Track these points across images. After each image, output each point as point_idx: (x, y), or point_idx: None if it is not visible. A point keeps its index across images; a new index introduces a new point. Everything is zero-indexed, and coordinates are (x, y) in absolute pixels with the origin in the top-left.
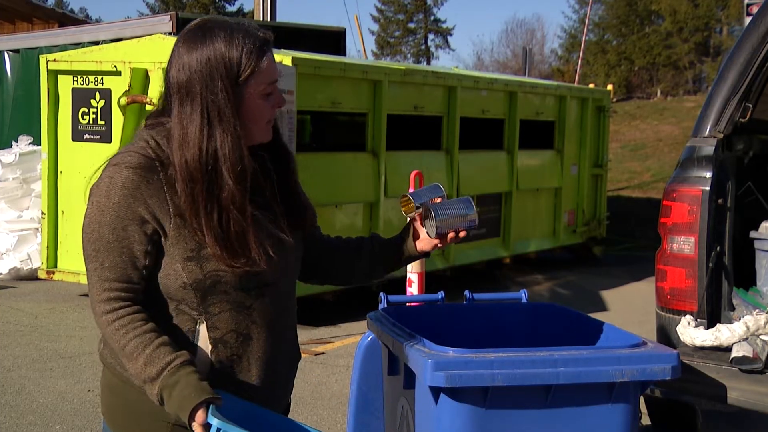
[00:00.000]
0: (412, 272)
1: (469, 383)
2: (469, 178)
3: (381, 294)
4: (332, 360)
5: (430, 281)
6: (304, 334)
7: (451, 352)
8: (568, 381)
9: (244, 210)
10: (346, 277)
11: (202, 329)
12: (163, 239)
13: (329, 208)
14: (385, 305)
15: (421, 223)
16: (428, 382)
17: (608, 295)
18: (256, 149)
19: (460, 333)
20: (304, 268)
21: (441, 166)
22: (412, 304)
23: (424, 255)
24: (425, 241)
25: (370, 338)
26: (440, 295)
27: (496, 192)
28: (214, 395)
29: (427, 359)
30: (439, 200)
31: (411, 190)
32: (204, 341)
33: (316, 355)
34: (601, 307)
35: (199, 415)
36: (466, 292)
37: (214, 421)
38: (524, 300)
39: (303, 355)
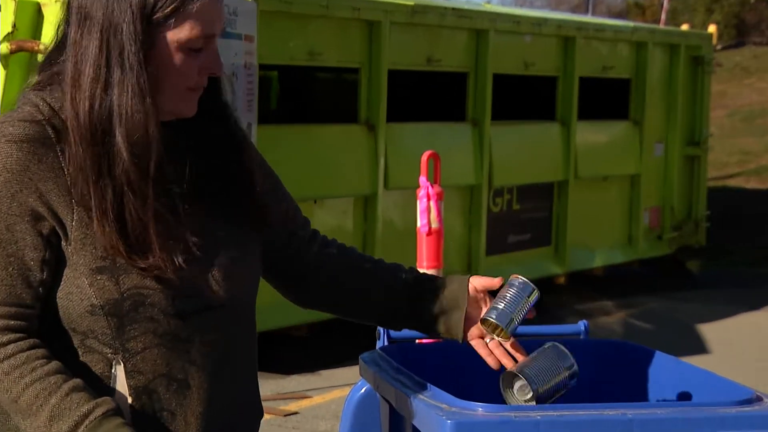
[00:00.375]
0: None
1: None
2: (506, 162)
3: (379, 327)
4: (309, 424)
5: None
6: (268, 385)
7: (480, 410)
8: None
9: (144, 196)
10: (356, 308)
11: (120, 373)
12: (63, 243)
13: (306, 204)
14: (386, 342)
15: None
16: None
17: (708, 331)
18: (194, 118)
19: (491, 383)
20: (289, 287)
21: (465, 144)
22: (424, 340)
23: (459, 340)
24: (478, 340)
25: (363, 390)
26: None
27: (544, 182)
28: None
29: (446, 420)
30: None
31: (423, 178)
32: (122, 389)
33: (285, 416)
34: (698, 347)
35: None
36: None
37: None
38: (584, 335)
39: (268, 417)
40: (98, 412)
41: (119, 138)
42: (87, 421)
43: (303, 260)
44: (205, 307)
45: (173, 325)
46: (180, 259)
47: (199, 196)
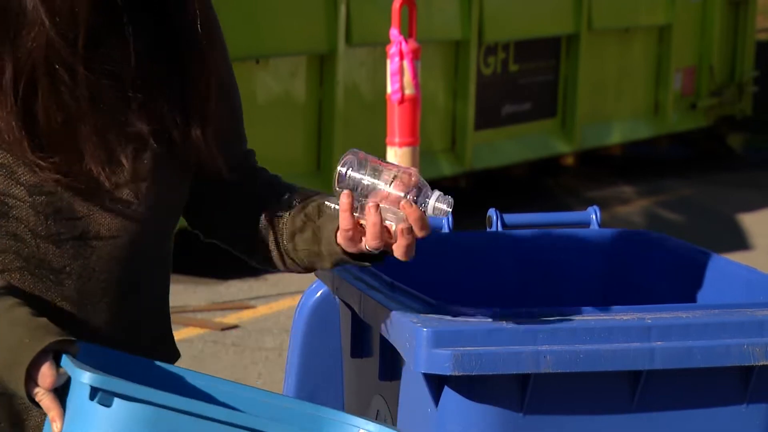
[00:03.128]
0: None
1: (496, 369)
2: (500, 10)
3: None
4: (252, 339)
5: None
6: (201, 293)
7: (463, 315)
8: (670, 365)
9: (74, 72)
10: (246, 244)
11: None
12: None
13: (245, 64)
14: None
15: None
16: (423, 367)
17: (754, 222)
18: None
19: (479, 284)
20: (204, 217)
21: None
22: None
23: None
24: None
25: (318, 294)
26: (444, 218)
27: (549, 36)
28: (65, 337)
29: (421, 327)
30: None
31: (394, 30)
32: None
33: (223, 330)
34: (741, 241)
35: (45, 373)
36: (492, 212)
37: (81, 374)
38: (594, 225)
39: (202, 331)
40: None
41: None
42: None
43: (224, 207)
44: (92, 234)
45: (43, 249)
46: (107, 171)
47: (133, 99)
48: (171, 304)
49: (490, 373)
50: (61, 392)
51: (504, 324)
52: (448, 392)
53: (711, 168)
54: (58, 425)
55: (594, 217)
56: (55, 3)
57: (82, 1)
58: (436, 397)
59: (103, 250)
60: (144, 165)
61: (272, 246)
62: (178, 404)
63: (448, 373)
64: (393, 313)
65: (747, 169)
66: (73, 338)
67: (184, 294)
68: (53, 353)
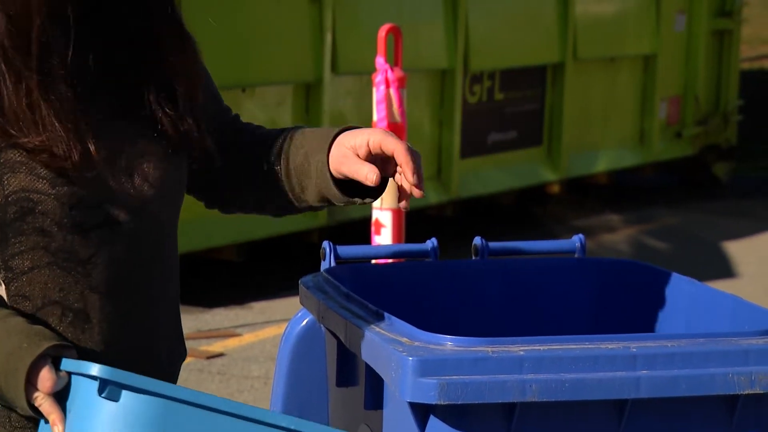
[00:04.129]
0: (383, 209)
1: (482, 398)
2: (486, 40)
3: (325, 243)
4: (238, 368)
5: (416, 224)
6: (187, 321)
7: (449, 344)
8: (655, 393)
9: (27, 58)
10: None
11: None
12: None
13: (231, 93)
14: (332, 263)
15: None
16: (408, 396)
17: (738, 250)
18: None
19: (465, 312)
20: (214, 188)
21: (434, 16)
22: (382, 260)
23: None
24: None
25: (304, 323)
26: (430, 244)
27: (535, 65)
28: (61, 342)
29: (407, 356)
30: None
31: (380, 59)
32: None
33: (209, 359)
34: (725, 269)
35: (44, 377)
36: (477, 240)
37: (89, 366)
38: (580, 253)
39: (187, 360)
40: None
41: None
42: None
43: (230, 150)
44: (112, 220)
45: (70, 240)
46: (87, 145)
47: (111, 88)
48: None
49: (476, 402)
50: (60, 398)
51: (490, 353)
52: (434, 421)
53: (697, 196)
54: (60, 428)
55: (579, 245)
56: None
57: None
58: (422, 426)
59: (123, 237)
60: (143, 148)
61: (286, 189)
62: (188, 397)
63: (433, 402)
64: (378, 341)
65: (732, 198)
66: (70, 344)
67: None
68: (51, 359)
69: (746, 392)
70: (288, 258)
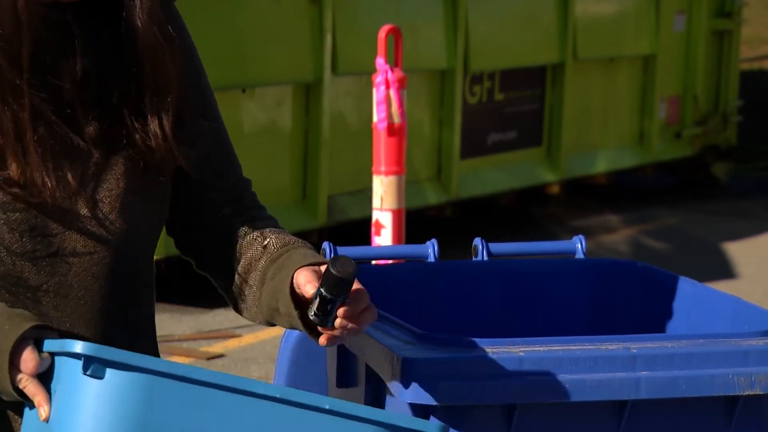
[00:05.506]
0: (383, 209)
1: (482, 399)
2: (486, 40)
3: (325, 244)
4: (238, 368)
5: (416, 225)
6: (187, 322)
7: (449, 344)
8: (655, 394)
9: (15, 90)
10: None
11: None
12: None
13: (231, 93)
14: None
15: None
16: (409, 397)
17: (738, 250)
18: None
19: (465, 313)
20: (187, 242)
21: (434, 17)
22: (382, 261)
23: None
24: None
25: None
26: (430, 246)
27: (534, 65)
28: (43, 323)
29: (407, 358)
30: None
31: (380, 60)
32: None
33: (209, 360)
34: (726, 269)
35: (27, 358)
36: (477, 242)
37: (73, 344)
38: (580, 254)
39: (187, 360)
40: None
41: None
42: None
43: (210, 237)
44: (68, 251)
45: (19, 266)
46: (52, 180)
47: (91, 109)
48: (156, 332)
49: (476, 404)
50: (44, 380)
51: (490, 354)
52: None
53: (696, 197)
54: (46, 409)
55: (579, 246)
56: None
57: (24, 14)
58: None
59: (79, 267)
60: (112, 177)
61: (246, 291)
62: (175, 370)
63: (434, 403)
64: (379, 342)
65: (732, 198)
66: (51, 325)
67: (170, 323)
68: (33, 340)
69: (746, 393)
70: None
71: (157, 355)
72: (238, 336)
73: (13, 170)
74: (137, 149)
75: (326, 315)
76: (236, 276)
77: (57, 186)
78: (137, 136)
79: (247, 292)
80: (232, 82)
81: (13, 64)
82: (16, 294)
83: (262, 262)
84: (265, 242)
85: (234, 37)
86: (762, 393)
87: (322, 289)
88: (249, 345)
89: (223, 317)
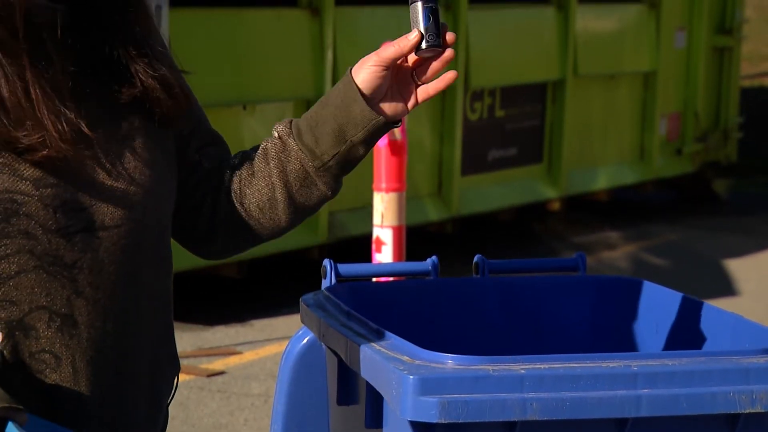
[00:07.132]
0: (383, 226)
1: (483, 416)
2: (487, 57)
3: (326, 262)
4: (239, 386)
5: (416, 241)
6: (187, 339)
7: (450, 362)
8: (656, 412)
9: (17, 57)
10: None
11: None
12: None
13: (233, 109)
14: (333, 281)
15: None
16: (409, 414)
17: (739, 266)
18: None
19: (466, 330)
20: (188, 222)
21: None
22: (382, 279)
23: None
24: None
25: (305, 341)
26: (431, 262)
27: (535, 82)
28: (14, 405)
29: (408, 375)
30: None
31: None
32: None
33: (209, 377)
34: (726, 286)
35: None
36: (478, 258)
37: None
38: (580, 271)
39: (188, 378)
40: None
41: None
42: None
43: (207, 177)
44: (98, 224)
45: (55, 244)
46: (65, 127)
47: (94, 82)
48: None
49: (477, 421)
50: None
51: (490, 371)
52: None
53: (697, 213)
54: None
55: (580, 263)
56: None
57: None
58: None
59: (109, 241)
60: (126, 130)
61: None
62: None
63: (434, 421)
64: (379, 360)
65: (733, 215)
66: (21, 407)
67: None
68: (0, 420)
69: (747, 411)
70: (289, 275)
71: (173, 339)
72: (239, 353)
73: (29, 129)
74: (142, 95)
75: (437, 30)
76: (264, 183)
77: (75, 137)
78: (138, 79)
79: (293, 177)
80: (233, 99)
81: (6, 25)
82: (54, 274)
83: (291, 140)
84: (267, 142)
85: (235, 54)
86: (763, 411)
87: (429, 4)
88: (249, 362)
89: (223, 334)
